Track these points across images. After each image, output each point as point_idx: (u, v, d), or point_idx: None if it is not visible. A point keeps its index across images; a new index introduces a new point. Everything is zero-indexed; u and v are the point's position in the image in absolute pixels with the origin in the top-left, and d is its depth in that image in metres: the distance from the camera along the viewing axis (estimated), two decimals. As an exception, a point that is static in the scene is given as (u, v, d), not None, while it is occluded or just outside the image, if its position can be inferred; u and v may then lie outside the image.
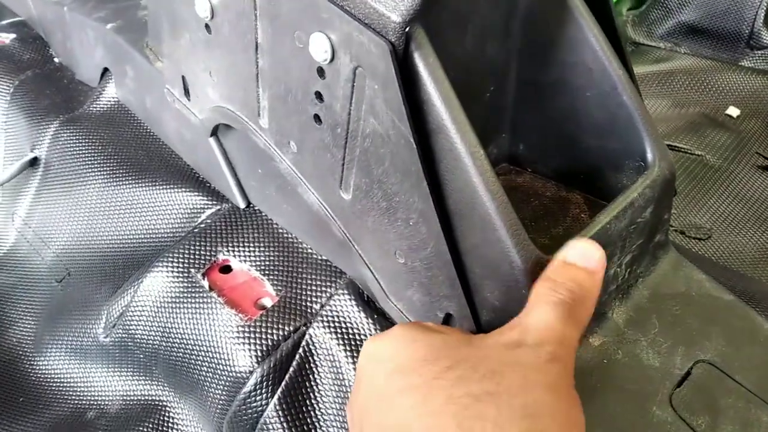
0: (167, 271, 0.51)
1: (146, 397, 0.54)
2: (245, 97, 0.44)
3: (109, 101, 0.67)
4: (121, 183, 0.61)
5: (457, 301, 0.37)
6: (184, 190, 0.57)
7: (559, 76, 0.41)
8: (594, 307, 0.33)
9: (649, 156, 0.40)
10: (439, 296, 0.38)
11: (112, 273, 0.58)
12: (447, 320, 0.39)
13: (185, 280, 0.50)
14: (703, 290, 0.44)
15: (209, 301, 0.48)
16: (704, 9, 0.98)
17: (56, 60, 0.77)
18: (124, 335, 0.53)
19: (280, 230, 0.52)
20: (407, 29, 0.31)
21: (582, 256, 0.32)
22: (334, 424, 0.44)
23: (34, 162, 0.70)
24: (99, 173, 0.62)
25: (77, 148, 0.65)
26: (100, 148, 0.63)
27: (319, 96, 0.37)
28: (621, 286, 0.42)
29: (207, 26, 0.43)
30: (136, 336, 0.52)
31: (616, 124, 0.41)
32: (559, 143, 0.44)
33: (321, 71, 0.36)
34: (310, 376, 0.45)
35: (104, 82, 0.68)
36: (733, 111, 0.91)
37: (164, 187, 0.58)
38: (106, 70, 0.68)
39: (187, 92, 0.51)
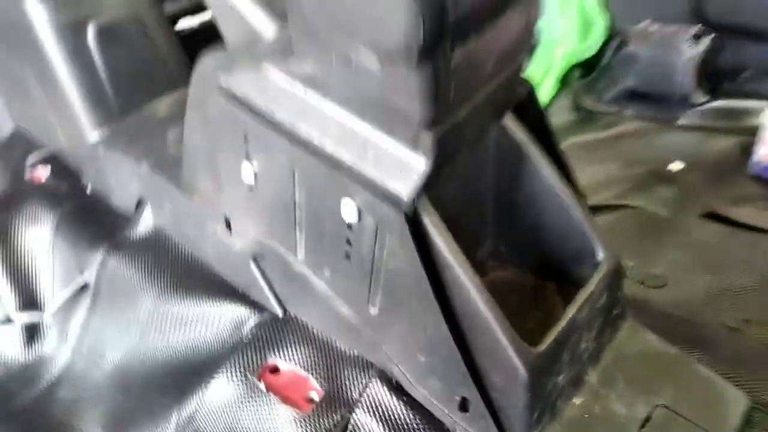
0: (228, 378, 0.61)
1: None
2: (284, 236, 0.56)
3: (148, 227, 0.79)
4: (169, 300, 0.71)
5: (468, 388, 0.49)
6: (227, 303, 0.68)
7: (525, 200, 0.54)
8: None
9: (599, 255, 0.53)
10: (454, 384, 0.50)
11: (171, 381, 0.68)
12: (464, 402, 0.50)
13: (244, 384, 0.61)
14: (654, 349, 0.57)
15: (267, 400, 0.59)
16: (643, 76, 1.14)
17: (88, 189, 0.88)
18: (193, 435, 0.63)
19: (315, 332, 0.63)
20: (416, 201, 0.43)
21: None
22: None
23: (83, 286, 0.80)
24: (148, 293, 0.73)
25: (125, 273, 0.75)
26: (146, 270, 0.74)
27: (348, 242, 0.49)
28: (592, 354, 0.55)
29: (250, 187, 0.55)
30: (205, 435, 0.62)
31: (572, 233, 0.53)
32: (532, 246, 0.57)
33: (350, 226, 0.48)
34: (358, 454, 0.56)
35: (140, 210, 0.80)
36: (676, 166, 1.05)
37: (209, 301, 0.69)
38: (140, 199, 0.80)
39: (228, 227, 0.63)
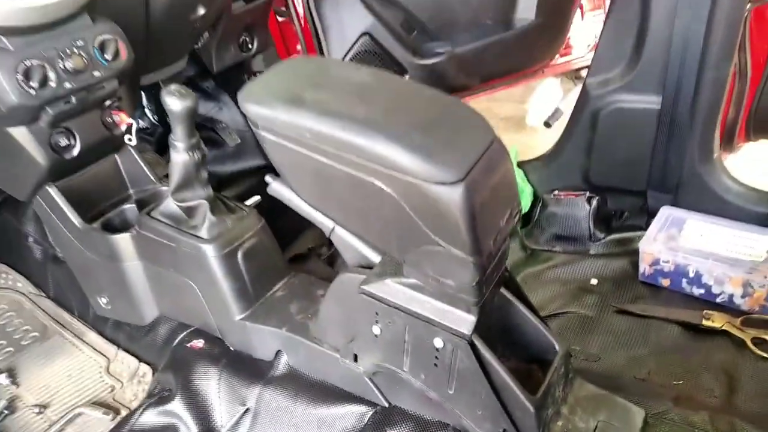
0: (367, 447, 1.09)
1: None
2: (395, 360, 1.07)
3: (286, 366, 1.27)
4: (314, 409, 1.19)
5: (506, 422, 0.99)
6: (352, 404, 1.17)
7: (513, 325, 1.08)
8: None
9: (557, 347, 1.07)
10: (498, 423, 1.00)
11: (325, 458, 1.15)
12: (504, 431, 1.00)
13: (378, 448, 1.09)
14: (593, 392, 1.09)
15: (395, 455, 1.07)
16: (562, 225, 1.75)
17: (232, 348, 1.37)
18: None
19: (410, 411, 1.13)
20: (474, 334, 0.96)
21: None
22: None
23: (245, 411, 1.26)
24: (297, 407, 1.20)
25: (278, 398, 1.23)
26: (293, 393, 1.22)
27: (436, 357, 1.01)
28: (562, 398, 1.06)
29: (375, 335, 1.07)
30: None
31: (540, 338, 1.07)
32: (521, 348, 1.10)
33: (437, 349, 1.00)
34: (450, 473, 1.04)
35: (279, 358, 1.28)
36: (594, 281, 1.63)
37: (340, 405, 1.17)
38: (278, 351, 1.29)
39: (355, 359, 1.13)
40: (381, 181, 0.80)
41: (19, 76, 1.22)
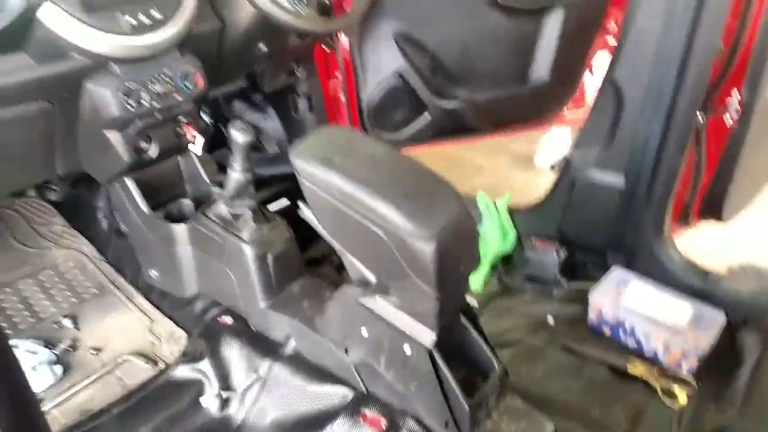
0: (344, 420, 1.45)
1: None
2: (375, 357, 1.43)
3: (293, 349, 1.64)
4: (309, 385, 1.55)
5: (448, 417, 1.35)
6: (339, 386, 1.53)
7: (467, 345, 1.43)
8: None
9: (496, 366, 1.42)
10: (442, 416, 1.36)
11: (312, 424, 1.51)
12: (446, 423, 1.36)
13: (353, 422, 1.44)
14: (519, 405, 1.45)
15: (365, 428, 1.43)
16: (534, 268, 2.10)
17: (253, 328, 1.73)
18: (327, 444, 1.46)
19: (382, 398, 1.49)
20: (434, 347, 1.32)
21: None
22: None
23: (257, 378, 1.63)
24: (297, 381, 1.57)
25: (284, 372, 1.59)
26: (296, 370, 1.58)
27: (404, 360, 1.37)
28: (494, 406, 1.42)
29: (363, 336, 1.43)
30: (334, 442, 1.45)
31: (485, 358, 1.42)
32: (470, 364, 1.45)
33: (406, 353, 1.36)
34: (403, 446, 1.41)
35: (288, 341, 1.65)
36: (551, 320, 1.97)
37: (330, 385, 1.53)
38: (287, 335, 1.65)
39: (346, 352, 1.50)
40: (379, 229, 1.17)
41: (121, 95, 1.59)
